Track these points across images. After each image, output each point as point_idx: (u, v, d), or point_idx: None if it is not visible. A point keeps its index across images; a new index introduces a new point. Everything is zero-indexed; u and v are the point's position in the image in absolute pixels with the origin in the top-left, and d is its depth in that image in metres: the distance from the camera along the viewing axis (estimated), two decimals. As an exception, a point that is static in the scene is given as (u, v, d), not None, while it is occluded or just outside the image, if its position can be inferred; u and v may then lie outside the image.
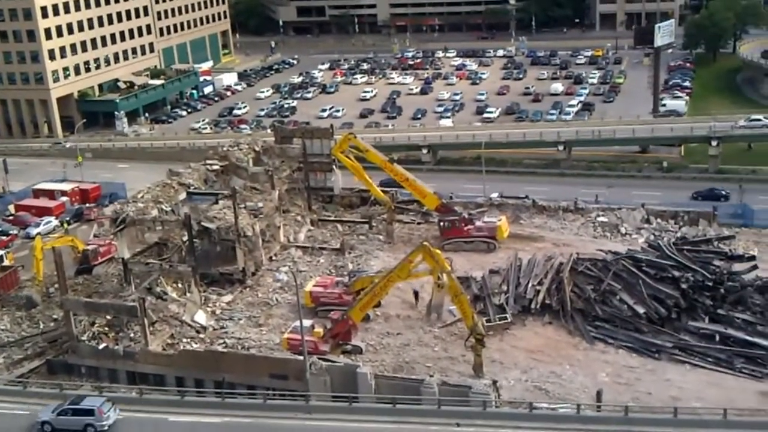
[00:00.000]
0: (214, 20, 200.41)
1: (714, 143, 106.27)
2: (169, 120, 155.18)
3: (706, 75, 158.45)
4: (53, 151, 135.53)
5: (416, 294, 65.02)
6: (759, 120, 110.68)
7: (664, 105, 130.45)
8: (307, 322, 58.39)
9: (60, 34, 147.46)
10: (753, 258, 67.03)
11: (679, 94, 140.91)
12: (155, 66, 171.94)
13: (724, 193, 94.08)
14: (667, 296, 60.86)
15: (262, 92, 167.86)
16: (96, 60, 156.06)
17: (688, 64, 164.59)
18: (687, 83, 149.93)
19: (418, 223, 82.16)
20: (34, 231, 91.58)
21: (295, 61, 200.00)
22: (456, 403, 49.09)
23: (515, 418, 48.45)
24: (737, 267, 64.54)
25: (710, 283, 61.16)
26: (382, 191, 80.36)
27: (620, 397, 51.99)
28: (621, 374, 55.97)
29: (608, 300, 62.34)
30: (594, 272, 64.99)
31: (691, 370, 56.30)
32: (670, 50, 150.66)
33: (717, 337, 58.31)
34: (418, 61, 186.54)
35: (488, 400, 49.52)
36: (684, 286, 60.99)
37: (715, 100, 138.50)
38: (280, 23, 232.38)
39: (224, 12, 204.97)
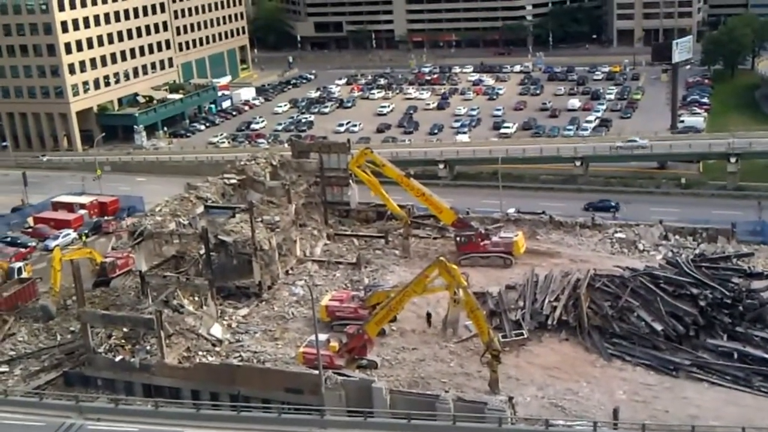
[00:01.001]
0: (232, 36, 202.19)
1: (733, 160, 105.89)
2: (188, 134, 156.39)
3: (725, 91, 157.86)
4: (69, 163, 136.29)
5: (429, 316, 64.57)
6: (634, 141, 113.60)
7: (682, 121, 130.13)
8: (322, 337, 58.24)
9: (80, 48, 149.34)
10: (772, 275, 66.39)
11: (698, 110, 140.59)
12: (174, 80, 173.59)
13: (613, 204, 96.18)
14: (685, 313, 60.32)
15: (280, 107, 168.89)
16: (115, 74, 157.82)
17: (706, 81, 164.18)
18: (705, 99, 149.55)
19: (435, 238, 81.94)
20: (52, 243, 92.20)
21: (312, 76, 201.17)
22: (471, 420, 48.67)
23: (531, 435, 48.12)
24: (756, 284, 63.77)
25: (729, 301, 60.50)
26: (399, 206, 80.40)
27: (637, 415, 51.46)
28: (638, 392, 55.43)
29: (626, 317, 61.85)
30: (611, 289, 64.54)
31: (709, 388, 55.68)
32: (688, 66, 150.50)
33: (735, 355, 57.69)
34: (435, 76, 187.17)
35: (504, 416, 49.05)
36: (702, 303, 60.42)
37: (733, 117, 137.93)
38: (298, 38, 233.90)
39: (243, 27, 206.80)
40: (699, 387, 55.82)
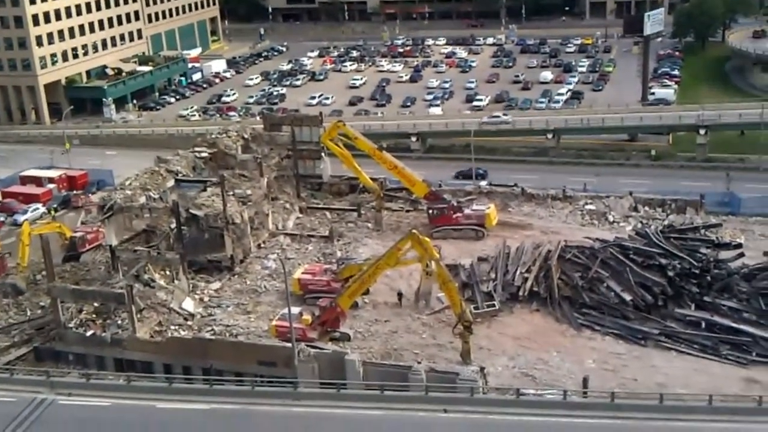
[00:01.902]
0: (202, 7, 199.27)
1: (702, 132, 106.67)
2: (157, 107, 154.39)
3: (695, 64, 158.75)
4: (37, 137, 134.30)
5: (400, 295, 64.61)
6: (498, 117, 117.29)
7: (653, 93, 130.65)
8: (295, 310, 58.36)
9: (48, 20, 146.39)
10: (739, 246, 67.36)
11: (668, 82, 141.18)
12: (143, 52, 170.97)
13: (481, 171, 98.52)
14: (653, 284, 61.17)
15: (251, 79, 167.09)
16: (84, 46, 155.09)
17: (677, 53, 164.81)
18: (676, 72, 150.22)
19: (407, 211, 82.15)
20: (21, 218, 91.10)
21: (284, 49, 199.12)
22: (443, 390, 49.09)
23: (502, 405, 48.29)
24: (724, 255, 64.85)
25: (697, 271, 61.42)
26: (371, 179, 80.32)
27: (606, 384, 52.19)
28: (608, 361, 56.25)
29: (595, 287, 62.60)
30: (582, 260, 65.23)
31: (677, 356, 56.65)
32: (659, 39, 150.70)
33: (703, 324, 58.67)
34: (408, 48, 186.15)
35: (476, 386, 49.57)
36: (671, 273, 61.30)
37: (703, 89, 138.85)
38: (270, 10, 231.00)
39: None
40: (667, 356, 56.75)
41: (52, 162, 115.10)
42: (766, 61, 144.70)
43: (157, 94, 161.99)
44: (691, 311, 59.93)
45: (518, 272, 64.83)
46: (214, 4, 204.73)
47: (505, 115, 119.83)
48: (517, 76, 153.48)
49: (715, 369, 55.01)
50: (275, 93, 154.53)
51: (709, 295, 60.56)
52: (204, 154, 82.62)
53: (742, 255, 64.90)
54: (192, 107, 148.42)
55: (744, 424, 44.15)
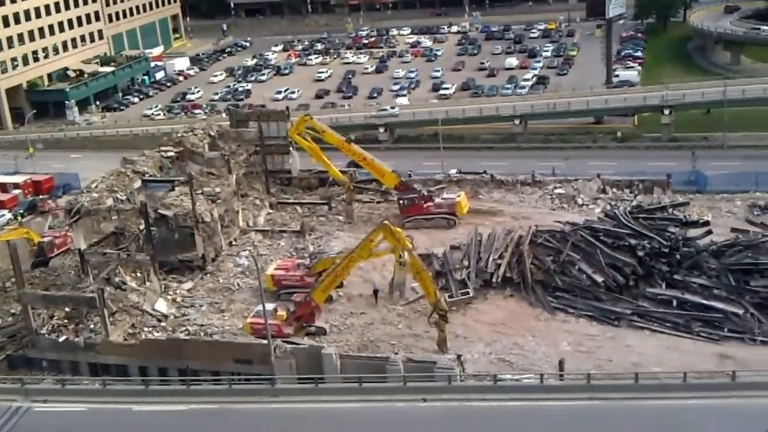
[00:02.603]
0: (163, 4, 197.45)
1: (667, 112, 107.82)
2: (121, 107, 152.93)
3: (658, 44, 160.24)
4: None
5: (376, 292, 63.72)
6: (386, 110, 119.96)
7: (617, 76, 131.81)
8: (269, 306, 58.05)
9: (6, 23, 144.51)
10: (707, 223, 68.03)
11: (632, 64, 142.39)
12: (105, 53, 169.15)
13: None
14: (624, 264, 61.66)
15: (216, 76, 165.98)
16: (44, 49, 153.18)
17: (639, 35, 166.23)
18: (639, 53, 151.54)
19: (378, 202, 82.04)
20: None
21: (247, 44, 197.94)
22: (421, 379, 49.24)
23: (480, 391, 48.62)
24: (692, 233, 65.49)
25: (666, 250, 61.93)
26: (341, 171, 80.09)
27: (582, 366, 52.51)
28: (582, 343, 56.62)
29: (567, 270, 62.97)
30: (553, 244, 65.56)
31: (650, 335, 57.13)
32: (621, 21, 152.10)
33: (674, 302, 59.19)
34: (373, 39, 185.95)
35: (453, 374, 49.73)
36: (640, 253, 61.78)
37: (667, 70, 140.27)
38: (232, 5, 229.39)
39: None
40: (640, 335, 57.22)
41: (17, 167, 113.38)
42: (728, 39, 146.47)
43: (120, 94, 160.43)
44: (662, 290, 60.46)
45: (491, 259, 65.02)
46: (175, 1, 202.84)
47: (392, 108, 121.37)
48: (483, 63, 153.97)
49: (688, 346, 55.53)
50: (240, 89, 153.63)
51: (679, 273, 61.10)
52: (170, 154, 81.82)
53: (710, 232, 65.60)
54: (156, 106, 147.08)
55: (719, 399, 44.65)
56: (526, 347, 56.46)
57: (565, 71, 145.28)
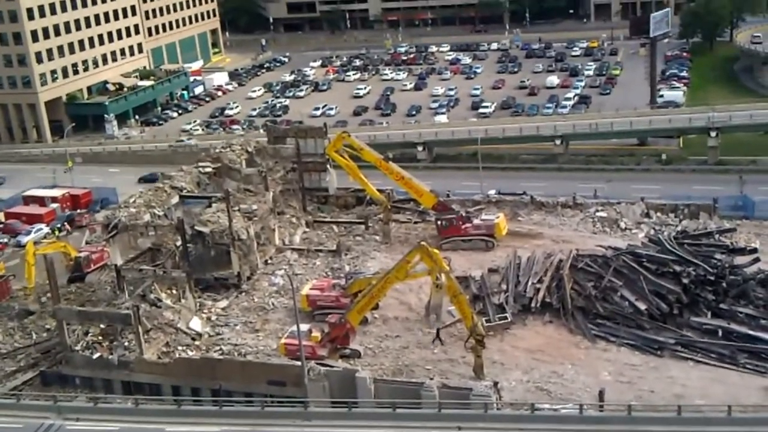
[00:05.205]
0: (203, 19, 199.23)
1: (713, 134, 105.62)
2: (160, 122, 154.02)
3: (704, 64, 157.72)
4: (38, 155, 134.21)
5: (438, 332, 60.04)
6: (182, 141, 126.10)
7: (661, 96, 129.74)
8: (304, 327, 57.45)
9: (47, 36, 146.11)
10: (755, 250, 66.22)
11: (677, 84, 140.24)
12: (144, 67, 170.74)
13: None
14: (668, 292, 60.06)
15: (254, 91, 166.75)
16: (84, 62, 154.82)
17: (684, 54, 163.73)
18: (684, 73, 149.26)
19: (415, 223, 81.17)
20: (24, 239, 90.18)
21: (286, 59, 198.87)
22: (457, 406, 48.34)
23: (517, 420, 47.69)
24: (739, 260, 63.71)
25: (712, 278, 60.29)
26: (378, 190, 79.41)
27: (623, 396, 51.16)
28: (623, 372, 55.11)
29: (609, 297, 61.52)
30: (594, 269, 64.14)
31: (694, 366, 55.47)
32: (666, 40, 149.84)
33: (720, 333, 57.52)
34: (412, 56, 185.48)
35: (489, 402, 48.76)
36: (686, 280, 60.19)
37: (713, 90, 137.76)
38: (271, 20, 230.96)
39: (213, 10, 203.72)
40: (684, 366, 55.57)
41: (55, 181, 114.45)
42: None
43: (159, 108, 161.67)
44: (707, 319, 58.80)
45: (530, 283, 63.76)
46: (214, 15, 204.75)
47: (189, 139, 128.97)
48: (523, 81, 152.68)
49: (734, 378, 53.83)
50: (278, 105, 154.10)
51: (726, 302, 59.47)
52: (208, 170, 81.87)
53: (757, 260, 63.72)
54: (195, 121, 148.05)
55: (766, 436, 43.15)
56: (565, 376, 55.08)
57: (608, 91, 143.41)
